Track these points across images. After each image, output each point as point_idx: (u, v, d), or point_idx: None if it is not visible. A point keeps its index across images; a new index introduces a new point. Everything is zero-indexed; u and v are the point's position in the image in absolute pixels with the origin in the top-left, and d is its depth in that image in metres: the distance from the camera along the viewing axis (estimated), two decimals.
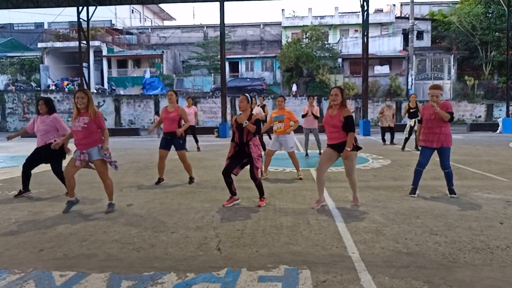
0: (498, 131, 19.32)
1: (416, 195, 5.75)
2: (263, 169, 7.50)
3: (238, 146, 5.22)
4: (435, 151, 5.66)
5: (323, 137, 6.41)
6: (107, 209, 5.14)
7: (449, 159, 5.66)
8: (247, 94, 5.40)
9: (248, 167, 5.28)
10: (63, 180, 6.11)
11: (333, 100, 4.99)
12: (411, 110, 11.42)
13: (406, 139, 11.54)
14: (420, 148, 5.90)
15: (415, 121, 11.11)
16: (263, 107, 11.89)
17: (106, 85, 31.75)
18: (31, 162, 6.18)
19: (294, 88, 29.38)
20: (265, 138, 10.42)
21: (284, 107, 7.48)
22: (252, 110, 5.35)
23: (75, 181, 5.19)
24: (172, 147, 6.89)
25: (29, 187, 6.29)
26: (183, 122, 6.90)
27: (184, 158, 6.89)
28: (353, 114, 30.10)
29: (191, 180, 7.01)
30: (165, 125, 6.80)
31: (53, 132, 6.04)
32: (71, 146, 5.70)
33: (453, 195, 5.66)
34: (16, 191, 6.49)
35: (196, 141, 12.59)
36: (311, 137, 10.51)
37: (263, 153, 10.54)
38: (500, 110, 26.27)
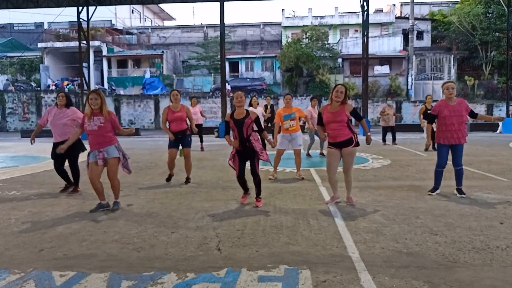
0: (498, 131, 19.32)
1: (435, 194, 5.77)
2: (273, 166, 7.42)
3: (241, 143, 5.20)
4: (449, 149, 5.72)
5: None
6: (112, 207, 5.18)
7: (462, 157, 5.71)
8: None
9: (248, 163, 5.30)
10: (77, 176, 6.18)
11: (337, 97, 5.07)
12: (428, 112, 11.22)
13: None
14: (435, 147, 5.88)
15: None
16: (271, 107, 11.85)
17: (106, 85, 31.71)
18: (59, 160, 6.25)
19: (228, 87, 29.36)
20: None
21: (291, 105, 7.44)
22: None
23: (102, 185, 5.15)
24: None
25: (31, 186, 6.33)
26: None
27: (189, 156, 6.95)
28: None
29: (187, 180, 7.01)
30: (174, 125, 6.76)
31: (71, 126, 6.11)
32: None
33: (462, 195, 5.66)
34: (17, 190, 6.49)
35: (201, 140, 12.57)
36: (316, 138, 10.50)
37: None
38: (500, 110, 26.26)
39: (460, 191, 5.73)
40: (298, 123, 7.37)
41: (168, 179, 7.05)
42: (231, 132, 5.32)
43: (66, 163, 6.29)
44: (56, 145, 6.09)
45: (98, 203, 5.16)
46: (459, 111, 5.58)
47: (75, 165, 6.27)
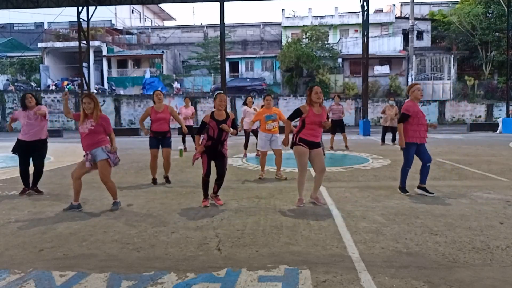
0: (498, 131, 19.31)
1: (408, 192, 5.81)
2: (261, 170, 7.47)
3: (213, 142, 5.22)
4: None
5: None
6: (112, 207, 5.21)
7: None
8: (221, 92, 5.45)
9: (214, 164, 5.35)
10: (39, 176, 6.28)
11: (319, 98, 5.11)
12: None
13: None
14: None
15: None
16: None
17: (106, 85, 31.73)
18: (26, 159, 6.27)
19: (177, 85, 29.38)
20: (253, 138, 10.37)
21: (271, 106, 7.54)
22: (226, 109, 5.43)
23: (81, 184, 5.22)
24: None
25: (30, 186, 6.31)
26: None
27: (168, 157, 6.98)
28: (353, 114, 29.70)
29: (167, 179, 7.03)
30: (155, 126, 6.89)
31: (45, 126, 6.16)
32: None
33: (426, 193, 5.74)
34: (17, 191, 6.49)
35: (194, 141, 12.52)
36: None
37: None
38: (500, 110, 26.26)
39: (425, 189, 5.78)
40: (278, 125, 7.42)
41: (154, 183, 6.96)
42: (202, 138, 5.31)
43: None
44: (20, 142, 6.19)
45: (71, 204, 5.18)
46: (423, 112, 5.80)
47: (41, 164, 6.25)
